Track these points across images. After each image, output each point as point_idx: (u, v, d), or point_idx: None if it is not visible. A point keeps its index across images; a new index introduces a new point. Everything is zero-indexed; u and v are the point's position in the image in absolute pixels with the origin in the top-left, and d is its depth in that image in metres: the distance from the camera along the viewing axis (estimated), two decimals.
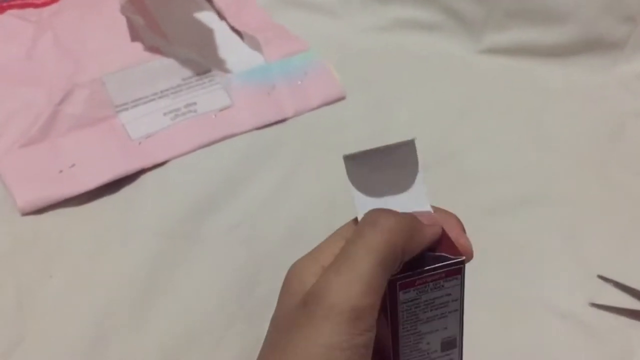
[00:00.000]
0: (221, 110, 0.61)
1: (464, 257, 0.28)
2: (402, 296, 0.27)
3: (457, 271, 0.28)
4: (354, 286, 0.25)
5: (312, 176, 0.57)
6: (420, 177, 0.29)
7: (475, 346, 0.45)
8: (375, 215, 0.27)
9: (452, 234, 0.29)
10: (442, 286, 0.28)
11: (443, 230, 0.29)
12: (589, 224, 0.53)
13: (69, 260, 0.50)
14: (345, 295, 0.24)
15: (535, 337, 0.46)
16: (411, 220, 0.27)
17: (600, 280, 0.49)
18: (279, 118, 0.62)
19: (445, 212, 0.31)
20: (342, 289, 0.25)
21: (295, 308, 0.26)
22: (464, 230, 0.30)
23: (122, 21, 0.63)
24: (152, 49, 0.62)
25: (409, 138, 0.28)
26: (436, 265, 0.27)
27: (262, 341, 0.28)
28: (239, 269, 0.50)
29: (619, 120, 0.62)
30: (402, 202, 0.29)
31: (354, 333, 0.24)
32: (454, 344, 0.30)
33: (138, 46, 0.62)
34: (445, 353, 0.30)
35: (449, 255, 0.28)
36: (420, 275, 0.27)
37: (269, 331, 0.28)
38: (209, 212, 0.54)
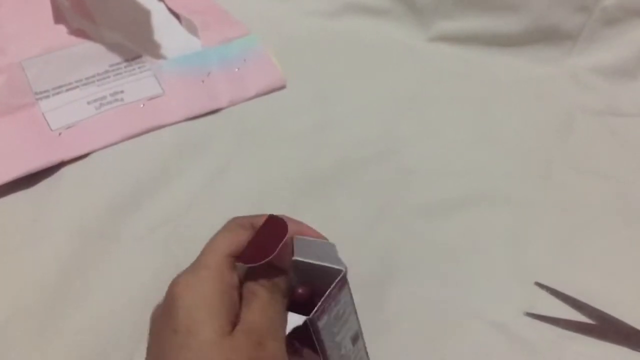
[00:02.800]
0: (150, 99, 0.57)
1: (344, 269, 0.31)
2: (321, 325, 0.30)
3: (345, 280, 0.31)
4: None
5: (244, 173, 0.54)
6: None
7: (403, 359, 0.43)
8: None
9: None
10: (340, 298, 0.31)
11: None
12: (530, 227, 0.51)
13: None
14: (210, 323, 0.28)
15: (466, 349, 0.44)
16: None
17: (537, 288, 0.47)
18: (212, 108, 0.58)
19: (297, 222, 0.34)
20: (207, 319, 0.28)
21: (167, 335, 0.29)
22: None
23: (44, 1, 0.58)
24: (78, 32, 0.58)
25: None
26: (331, 286, 0.30)
27: None
28: (158, 274, 0.46)
29: (568, 115, 0.60)
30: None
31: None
32: (358, 335, 0.34)
33: (62, 29, 0.58)
34: (355, 346, 0.34)
35: (333, 269, 0.31)
36: (326, 300, 0.30)
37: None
38: (130, 211, 0.50)
